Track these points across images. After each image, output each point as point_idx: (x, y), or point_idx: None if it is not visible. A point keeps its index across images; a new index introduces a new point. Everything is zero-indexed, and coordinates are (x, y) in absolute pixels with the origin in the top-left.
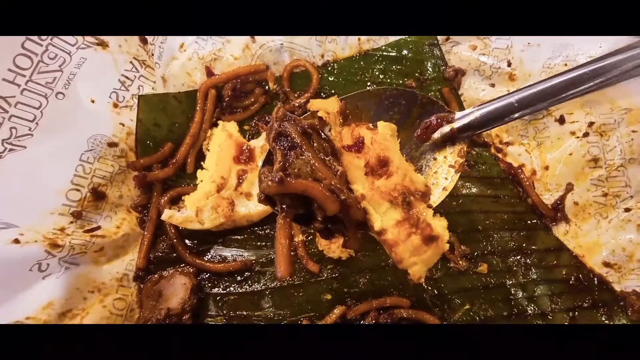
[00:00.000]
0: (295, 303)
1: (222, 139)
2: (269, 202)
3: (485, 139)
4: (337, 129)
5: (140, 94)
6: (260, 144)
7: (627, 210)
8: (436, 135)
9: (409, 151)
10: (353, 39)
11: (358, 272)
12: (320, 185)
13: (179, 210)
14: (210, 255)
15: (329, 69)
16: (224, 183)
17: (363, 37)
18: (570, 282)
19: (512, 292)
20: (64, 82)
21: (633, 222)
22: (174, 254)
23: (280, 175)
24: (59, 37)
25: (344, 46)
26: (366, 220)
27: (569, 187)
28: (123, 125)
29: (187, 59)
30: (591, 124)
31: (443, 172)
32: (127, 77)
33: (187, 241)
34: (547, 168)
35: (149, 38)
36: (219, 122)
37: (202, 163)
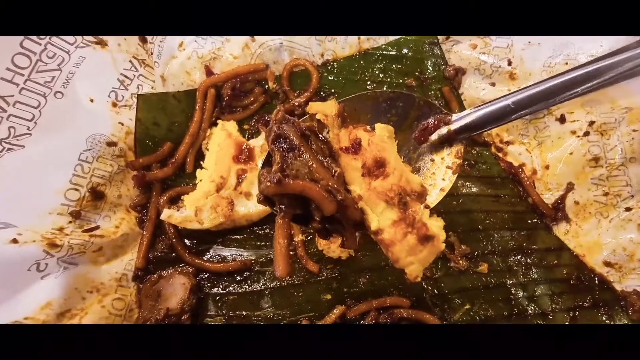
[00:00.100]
0: (294, 303)
1: (222, 138)
2: (268, 202)
3: (486, 139)
4: (335, 131)
5: (139, 93)
6: (259, 144)
7: (628, 209)
8: (433, 137)
9: (406, 153)
10: (353, 38)
11: (358, 272)
12: (317, 186)
13: (178, 210)
14: (209, 255)
15: (329, 68)
16: (224, 182)
17: (363, 36)
18: (571, 282)
19: (513, 291)
20: (62, 81)
21: (634, 221)
22: (173, 254)
23: (279, 176)
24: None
25: (343, 45)
26: (363, 220)
27: (570, 187)
28: (122, 124)
29: (186, 58)
30: (592, 123)
31: (441, 173)
32: (126, 76)
33: (186, 241)
34: (547, 167)
35: (149, 37)
36: (219, 121)
37: (201, 162)
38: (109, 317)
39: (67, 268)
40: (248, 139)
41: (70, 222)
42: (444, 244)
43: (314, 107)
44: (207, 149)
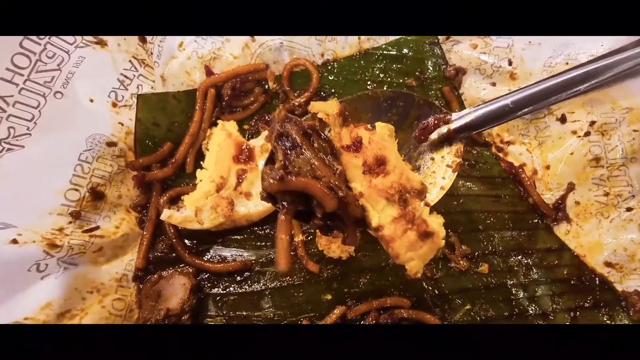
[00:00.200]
0: (295, 303)
1: (222, 138)
2: (270, 199)
3: (486, 139)
4: (337, 130)
5: (139, 93)
6: (259, 144)
7: (629, 209)
8: (434, 135)
9: (407, 151)
10: (353, 38)
11: (358, 272)
12: (319, 183)
13: (178, 210)
14: (209, 255)
15: (329, 67)
16: (224, 183)
17: (363, 36)
18: (572, 282)
19: (513, 292)
20: (62, 81)
21: (635, 221)
22: (173, 254)
23: (282, 173)
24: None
25: (344, 45)
26: (364, 217)
27: (570, 187)
28: (122, 124)
29: (186, 58)
30: (592, 123)
31: (441, 172)
32: (126, 76)
33: (186, 241)
34: (548, 167)
35: (148, 37)
36: (219, 121)
37: (201, 162)
38: (109, 317)
39: (67, 268)
40: (248, 139)
41: (70, 222)
42: (444, 241)
43: (316, 106)
44: (207, 149)
